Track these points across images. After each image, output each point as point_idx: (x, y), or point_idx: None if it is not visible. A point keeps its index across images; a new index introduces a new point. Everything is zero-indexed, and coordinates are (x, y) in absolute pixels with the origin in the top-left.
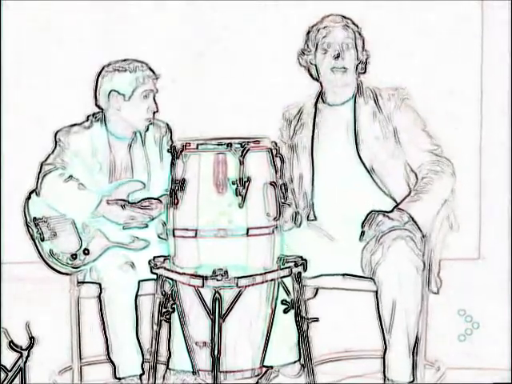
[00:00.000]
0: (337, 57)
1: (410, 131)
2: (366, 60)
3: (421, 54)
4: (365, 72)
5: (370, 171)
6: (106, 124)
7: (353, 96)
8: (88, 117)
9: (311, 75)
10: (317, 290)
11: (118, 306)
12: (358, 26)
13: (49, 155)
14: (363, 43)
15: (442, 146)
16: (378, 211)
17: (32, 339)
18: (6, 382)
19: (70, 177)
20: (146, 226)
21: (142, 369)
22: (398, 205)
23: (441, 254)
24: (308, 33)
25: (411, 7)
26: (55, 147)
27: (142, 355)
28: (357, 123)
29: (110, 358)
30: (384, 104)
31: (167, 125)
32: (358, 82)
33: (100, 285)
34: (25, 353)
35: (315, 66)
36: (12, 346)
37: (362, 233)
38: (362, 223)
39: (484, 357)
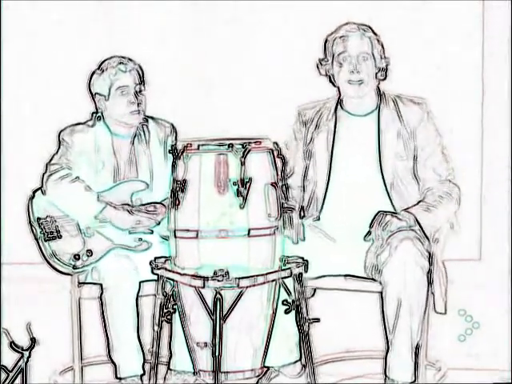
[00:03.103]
0: (353, 70)
1: (430, 151)
2: (387, 66)
3: (420, 54)
4: (385, 78)
5: (390, 187)
6: (106, 123)
7: (376, 107)
8: (92, 114)
9: (331, 82)
10: (315, 289)
11: (118, 306)
12: (376, 33)
13: (53, 155)
14: (382, 50)
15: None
16: (385, 211)
17: (33, 340)
18: (7, 382)
19: (77, 178)
20: (151, 232)
21: (143, 369)
22: (406, 209)
23: (442, 254)
24: (325, 42)
25: (410, 7)
26: (59, 147)
27: (143, 355)
28: (381, 139)
29: (111, 359)
30: (407, 118)
31: (172, 125)
32: (381, 92)
33: (101, 285)
34: (26, 353)
35: (332, 75)
36: (13, 346)
37: (369, 232)
38: (370, 223)
39: (484, 357)
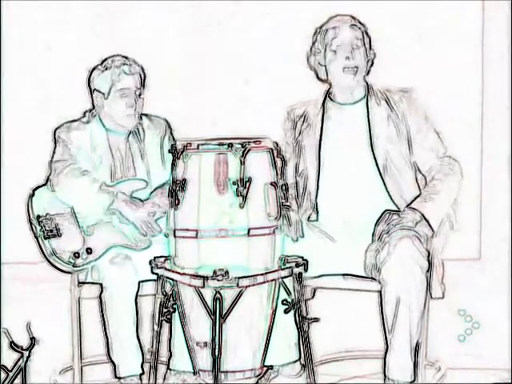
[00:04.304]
0: (347, 57)
1: (421, 132)
2: (372, 60)
3: (421, 54)
4: (368, 73)
5: (383, 172)
6: (101, 119)
7: (364, 96)
8: (85, 112)
9: (318, 76)
10: (315, 290)
11: (118, 305)
12: (364, 26)
13: (53, 155)
14: (370, 42)
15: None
16: (392, 211)
17: (33, 339)
18: (6, 382)
19: (86, 171)
20: (160, 232)
21: (142, 368)
22: (409, 204)
23: (442, 254)
24: (315, 33)
25: (411, 7)
26: (55, 146)
27: (142, 355)
28: (371, 123)
29: (110, 358)
30: (396, 105)
31: (166, 121)
32: (369, 84)
33: (101, 285)
34: (25, 353)
35: (324, 66)
36: (13, 346)
37: (374, 231)
38: (376, 222)
39: (484, 357)
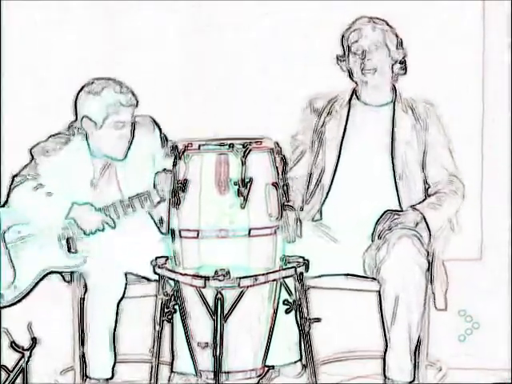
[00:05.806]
0: (364, 57)
1: (437, 147)
2: (404, 59)
3: (421, 54)
4: (405, 73)
5: (398, 177)
6: (88, 143)
7: (392, 101)
8: (69, 126)
9: (351, 78)
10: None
11: (99, 308)
12: (389, 25)
13: (23, 168)
14: (398, 42)
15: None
16: (393, 211)
17: (34, 339)
18: (7, 382)
19: (40, 185)
20: (114, 227)
21: (112, 372)
22: (413, 206)
23: (442, 255)
24: (342, 38)
25: (410, 7)
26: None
27: (115, 359)
28: (396, 128)
29: (83, 354)
30: (420, 115)
31: (152, 118)
32: (397, 90)
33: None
34: (26, 353)
35: (351, 69)
36: (14, 346)
37: (374, 231)
38: (377, 222)
39: (484, 357)
